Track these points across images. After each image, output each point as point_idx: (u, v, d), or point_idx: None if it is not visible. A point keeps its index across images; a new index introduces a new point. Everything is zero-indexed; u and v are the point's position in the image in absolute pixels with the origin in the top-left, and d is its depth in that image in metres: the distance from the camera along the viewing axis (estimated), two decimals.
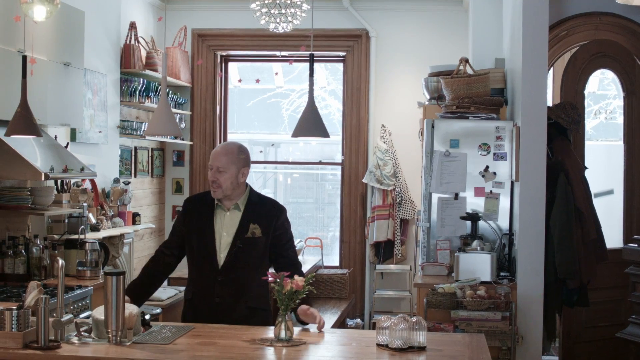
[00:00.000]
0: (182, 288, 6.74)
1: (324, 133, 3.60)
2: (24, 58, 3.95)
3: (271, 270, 3.68)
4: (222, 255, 3.77)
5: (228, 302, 3.77)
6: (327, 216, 8.79)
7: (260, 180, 8.99)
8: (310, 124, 3.57)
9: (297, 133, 3.64)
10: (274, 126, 8.96)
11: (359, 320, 7.39)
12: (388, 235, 7.37)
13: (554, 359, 6.10)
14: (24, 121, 3.93)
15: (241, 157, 3.77)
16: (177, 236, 3.92)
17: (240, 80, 8.25)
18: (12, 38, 4.50)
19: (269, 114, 8.94)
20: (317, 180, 8.97)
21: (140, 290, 3.90)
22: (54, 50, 4.92)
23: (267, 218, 3.82)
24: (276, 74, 8.13)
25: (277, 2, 5.52)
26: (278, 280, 3.41)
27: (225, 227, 3.79)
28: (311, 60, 3.58)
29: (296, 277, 3.43)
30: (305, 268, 6.21)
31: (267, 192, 8.87)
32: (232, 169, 3.73)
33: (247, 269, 3.78)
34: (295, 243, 4.07)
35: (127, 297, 3.57)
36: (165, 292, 6.62)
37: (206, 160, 7.83)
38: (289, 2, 5.51)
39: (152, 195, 7.61)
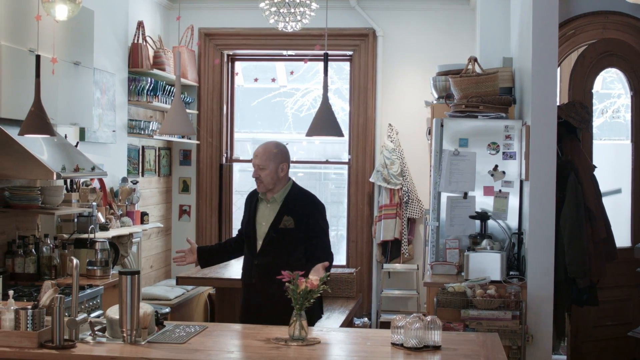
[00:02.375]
0: (190, 287, 6.80)
1: (338, 132, 3.61)
2: (38, 57, 3.94)
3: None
4: (259, 242, 4.24)
5: (262, 282, 4.18)
6: (330, 215, 8.78)
7: None
8: (325, 123, 3.58)
9: (311, 132, 3.64)
10: (279, 125, 8.96)
11: (366, 319, 7.39)
12: (395, 234, 7.37)
13: (563, 358, 6.10)
14: (38, 121, 3.93)
15: (278, 154, 4.22)
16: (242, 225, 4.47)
17: (256, 80, 8.26)
18: (23, 37, 4.50)
19: (273, 113, 8.93)
20: (320, 179, 8.97)
21: (214, 250, 4.61)
22: (64, 49, 4.92)
23: (301, 211, 4.23)
24: (291, 72, 8.13)
25: (287, 1, 5.52)
26: (293, 279, 3.42)
27: (265, 217, 4.27)
28: (325, 59, 3.58)
29: (310, 276, 3.44)
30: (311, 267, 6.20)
31: None
32: (271, 166, 4.18)
33: (280, 255, 4.18)
34: None
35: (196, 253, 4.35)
36: (173, 292, 6.65)
37: (213, 159, 7.85)
38: (297, 1, 5.51)
39: (159, 194, 7.61)
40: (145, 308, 3.49)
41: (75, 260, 3.45)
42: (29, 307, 3.35)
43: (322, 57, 3.54)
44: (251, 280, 4.25)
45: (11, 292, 3.44)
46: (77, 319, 3.36)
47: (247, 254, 4.33)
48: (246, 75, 8.54)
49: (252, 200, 4.36)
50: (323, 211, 4.31)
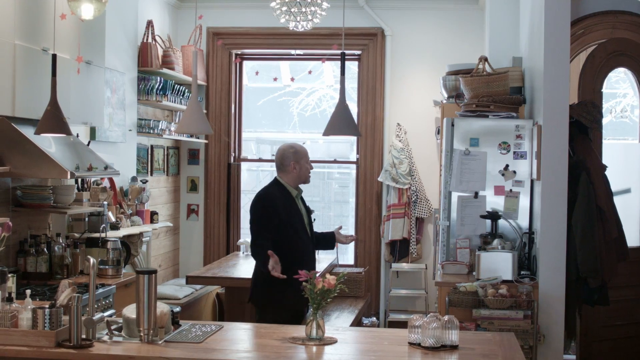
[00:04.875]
0: (199, 287, 6.77)
1: (355, 131, 3.61)
2: (54, 57, 3.94)
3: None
4: (308, 230, 4.80)
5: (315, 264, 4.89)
6: (334, 214, 8.77)
7: (267, 179, 8.99)
8: (342, 122, 3.57)
9: (328, 132, 3.64)
10: (283, 125, 8.95)
11: (374, 319, 7.39)
12: (403, 233, 7.37)
13: (573, 358, 6.09)
14: (54, 120, 3.93)
15: None
16: (272, 227, 4.62)
17: (275, 79, 8.26)
18: (36, 36, 4.50)
19: (278, 112, 8.93)
20: (323, 179, 8.96)
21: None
22: (76, 48, 4.92)
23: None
24: (309, 72, 8.11)
25: (297, 0, 5.52)
26: (310, 279, 3.42)
27: (302, 209, 4.80)
28: (342, 58, 3.57)
29: (328, 275, 3.44)
30: (321, 267, 6.23)
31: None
32: None
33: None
34: None
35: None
36: (182, 291, 6.65)
37: (221, 158, 7.85)
38: (308, 0, 5.50)
39: (168, 193, 7.61)
40: (162, 307, 3.50)
41: (92, 260, 3.45)
42: (46, 306, 3.34)
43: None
44: (313, 263, 4.78)
45: (28, 292, 3.45)
46: (94, 318, 3.36)
47: (304, 246, 4.71)
48: (253, 74, 8.53)
49: (284, 199, 4.70)
50: None
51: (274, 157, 4.87)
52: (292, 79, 7.86)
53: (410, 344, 3.39)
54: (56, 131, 4.05)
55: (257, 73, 8.09)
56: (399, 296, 7.49)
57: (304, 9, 5.52)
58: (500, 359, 3.21)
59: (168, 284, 7.08)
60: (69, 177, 4.40)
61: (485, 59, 5.68)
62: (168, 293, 6.49)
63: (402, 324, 6.72)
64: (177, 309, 5.93)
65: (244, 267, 6.22)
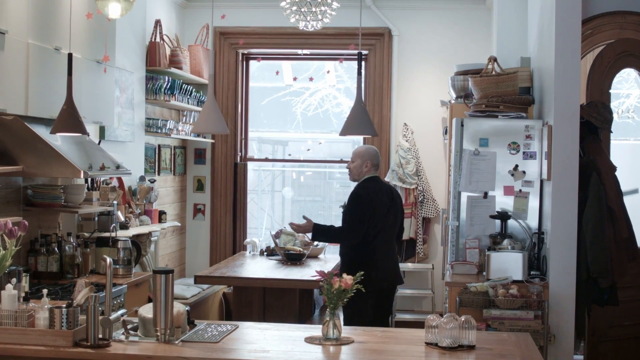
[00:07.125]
0: (206, 286, 6.76)
1: (372, 131, 3.60)
2: (70, 56, 3.94)
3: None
4: None
5: None
6: (337, 214, 8.77)
7: (269, 178, 9.00)
8: (359, 122, 3.57)
9: (345, 131, 3.64)
10: (285, 124, 8.95)
11: None
12: (410, 233, 7.38)
13: (581, 358, 6.09)
14: (70, 119, 3.92)
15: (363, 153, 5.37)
16: None
17: (295, 79, 8.26)
18: (48, 35, 4.49)
19: (281, 112, 8.93)
20: (325, 179, 8.97)
21: None
22: (87, 47, 4.91)
23: None
24: (327, 72, 8.11)
25: (307, 0, 5.52)
26: (327, 278, 3.42)
27: None
28: (359, 58, 3.57)
29: (344, 275, 3.44)
30: (328, 266, 6.23)
31: (281, 190, 8.88)
32: (357, 161, 5.38)
33: None
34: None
35: None
36: (190, 290, 6.64)
37: (228, 158, 7.85)
38: (319, 0, 5.51)
39: (175, 193, 7.60)
40: (179, 307, 3.50)
41: (108, 259, 3.46)
42: (63, 305, 3.34)
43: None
44: None
45: (45, 291, 3.44)
46: (111, 317, 3.36)
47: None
48: (259, 74, 8.52)
49: None
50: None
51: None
52: (311, 79, 7.85)
53: (427, 344, 3.39)
54: (72, 130, 4.04)
55: (277, 73, 8.07)
56: (406, 296, 7.49)
57: (314, 9, 5.51)
58: (518, 359, 3.21)
59: (175, 283, 7.07)
60: (82, 176, 4.38)
61: (495, 59, 5.69)
62: (176, 292, 6.48)
63: (409, 324, 6.76)
64: (187, 309, 5.94)
65: (252, 266, 6.22)
